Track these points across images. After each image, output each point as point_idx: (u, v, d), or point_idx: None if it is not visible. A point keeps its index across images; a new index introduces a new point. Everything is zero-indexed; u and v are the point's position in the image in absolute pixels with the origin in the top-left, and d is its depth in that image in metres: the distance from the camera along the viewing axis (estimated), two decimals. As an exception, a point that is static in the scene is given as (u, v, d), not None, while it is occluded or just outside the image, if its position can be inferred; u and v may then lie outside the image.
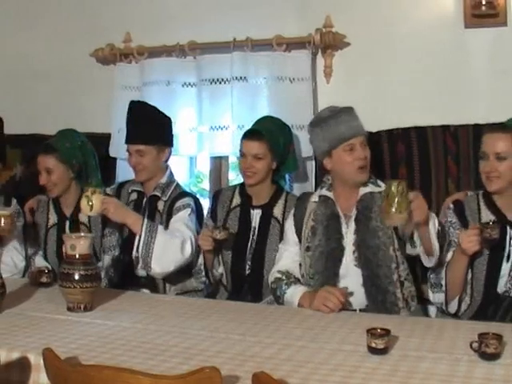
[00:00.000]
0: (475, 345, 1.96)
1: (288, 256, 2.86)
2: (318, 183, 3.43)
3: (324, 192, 2.85)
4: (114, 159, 3.75)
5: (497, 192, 2.68)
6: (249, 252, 3.07)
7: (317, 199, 2.85)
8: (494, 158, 2.64)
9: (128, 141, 3.22)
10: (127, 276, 3.22)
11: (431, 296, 2.75)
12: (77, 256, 2.50)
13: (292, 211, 2.93)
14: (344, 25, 3.40)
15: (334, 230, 2.74)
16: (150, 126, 3.20)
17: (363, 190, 2.77)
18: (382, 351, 2.00)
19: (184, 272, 3.14)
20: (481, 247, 2.53)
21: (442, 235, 2.57)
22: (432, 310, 3.03)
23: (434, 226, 2.52)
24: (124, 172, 3.71)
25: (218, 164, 3.73)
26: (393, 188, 2.34)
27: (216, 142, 3.59)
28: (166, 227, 3.06)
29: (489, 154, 2.65)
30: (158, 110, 3.28)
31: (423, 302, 2.94)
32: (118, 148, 3.67)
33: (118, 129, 3.69)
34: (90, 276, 2.50)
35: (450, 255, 2.67)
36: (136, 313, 2.50)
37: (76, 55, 3.85)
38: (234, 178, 3.77)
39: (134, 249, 2.93)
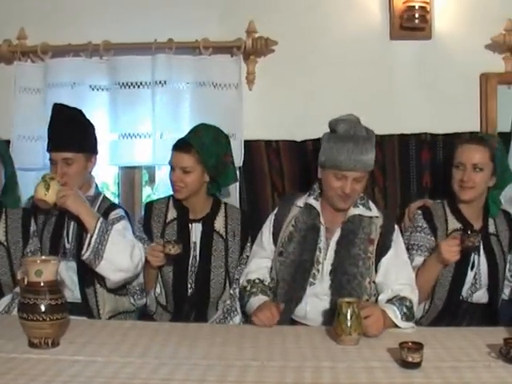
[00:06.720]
0: (504, 350, 2.00)
1: (258, 263, 2.74)
2: (241, 199, 3.32)
3: (311, 200, 2.69)
4: (12, 169, 3.30)
5: (469, 201, 2.74)
6: (190, 270, 2.86)
7: (302, 205, 2.71)
8: (471, 168, 2.70)
9: (53, 148, 2.83)
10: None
11: None
12: (42, 284, 2.15)
13: (275, 211, 2.78)
14: (267, 31, 3.31)
15: (310, 242, 2.61)
16: (79, 132, 2.86)
17: (353, 211, 2.64)
18: (417, 365, 1.96)
19: (117, 291, 2.87)
20: (461, 256, 2.59)
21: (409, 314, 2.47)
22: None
23: (396, 318, 2.42)
24: (24, 184, 3.29)
25: (131, 174, 3.45)
26: (343, 309, 2.21)
27: (132, 150, 3.33)
28: None
29: (466, 164, 2.70)
30: (84, 115, 2.94)
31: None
32: (19, 156, 3.27)
33: (18, 135, 3.31)
34: (60, 306, 2.16)
35: (418, 259, 2.69)
36: (113, 344, 2.21)
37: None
38: (150, 192, 3.52)
39: (84, 248, 2.63)
